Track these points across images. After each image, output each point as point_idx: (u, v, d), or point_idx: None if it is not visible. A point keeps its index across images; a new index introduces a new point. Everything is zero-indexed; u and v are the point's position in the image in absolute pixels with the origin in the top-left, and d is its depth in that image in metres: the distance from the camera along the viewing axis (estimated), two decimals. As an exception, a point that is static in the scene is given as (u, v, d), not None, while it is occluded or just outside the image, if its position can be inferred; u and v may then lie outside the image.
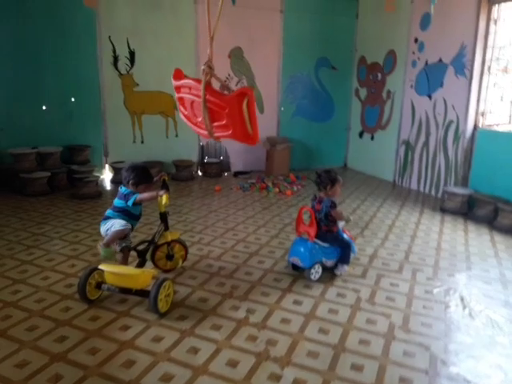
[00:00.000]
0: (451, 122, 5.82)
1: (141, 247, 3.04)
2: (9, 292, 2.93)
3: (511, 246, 4.23)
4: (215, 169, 7.28)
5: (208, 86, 2.52)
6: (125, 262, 3.03)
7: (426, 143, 6.33)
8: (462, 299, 3.08)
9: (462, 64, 5.58)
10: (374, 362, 2.31)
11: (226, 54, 7.23)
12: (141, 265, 2.99)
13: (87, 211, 4.97)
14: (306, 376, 2.19)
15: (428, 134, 6.29)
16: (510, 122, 5.34)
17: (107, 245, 2.94)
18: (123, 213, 2.99)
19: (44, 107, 6.35)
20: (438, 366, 2.30)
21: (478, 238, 4.42)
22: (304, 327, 2.63)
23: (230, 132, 2.51)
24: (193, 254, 3.73)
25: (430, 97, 6.19)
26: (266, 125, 7.70)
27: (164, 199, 2.98)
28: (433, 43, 6.06)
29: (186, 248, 3.41)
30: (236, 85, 7.39)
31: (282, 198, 5.87)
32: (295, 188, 6.48)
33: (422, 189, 6.51)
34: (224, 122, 2.50)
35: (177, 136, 7.25)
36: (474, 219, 5.06)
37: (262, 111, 7.69)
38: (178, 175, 6.91)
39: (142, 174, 2.97)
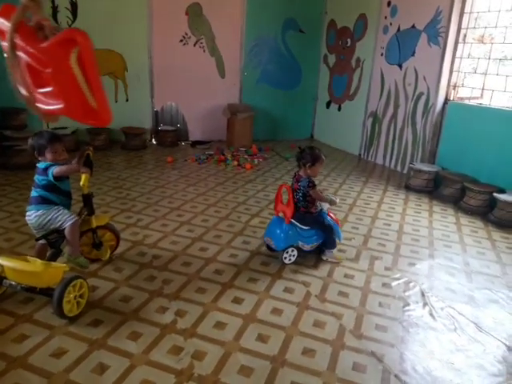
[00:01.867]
0: (421, 93, 5.45)
1: (53, 236, 2.52)
2: None
3: (477, 229, 3.98)
4: (170, 137, 6.71)
5: (24, 26, 1.70)
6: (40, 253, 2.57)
7: (394, 116, 5.96)
8: (422, 294, 2.77)
9: (435, 31, 5.15)
10: (317, 381, 1.95)
11: (183, 11, 6.52)
12: (53, 257, 2.49)
13: (15, 185, 4.37)
14: (235, 400, 1.81)
15: (397, 106, 5.91)
16: (482, 96, 5.00)
17: (75, 253, 2.50)
18: (51, 190, 2.49)
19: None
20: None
21: (443, 221, 4.14)
22: (240, 333, 2.24)
23: (62, 105, 1.72)
24: (125, 239, 3.25)
25: (400, 66, 5.77)
26: (227, 91, 7.14)
27: (82, 179, 2.47)
28: (406, 7, 5.58)
29: (117, 236, 2.93)
30: (194, 45, 6.73)
31: (240, 172, 5.41)
32: (256, 161, 6.03)
33: (387, 164, 6.19)
34: (52, 89, 1.71)
35: (127, 100, 6.59)
36: (439, 198, 4.79)
37: (223, 76, 7.08)
38: (127, 144, 6.32)
39: (40, 139, 2.44)
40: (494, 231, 3.94)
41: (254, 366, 2.02)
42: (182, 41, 6.66)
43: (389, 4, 5.88)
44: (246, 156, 6.20)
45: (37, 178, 2.49)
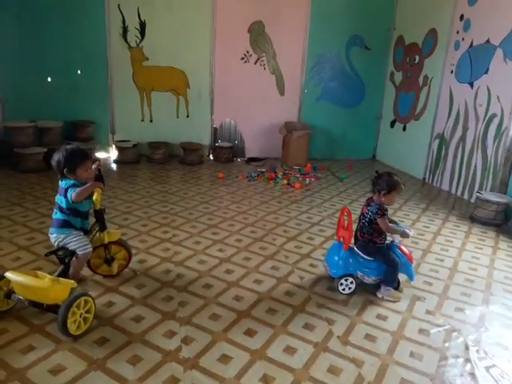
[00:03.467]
0: (494, 115, 4.91)
1: (61, 252, 2.55)
2: None
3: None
4: (226, 153, 6.76)
5: None
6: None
7: (463, 138, 5.44)
8: (466, 348, 2.40)
9: (512, 46, 4.63)
10: None
11: (245, 29, 6.59)
12: (63, 273, 2.50)
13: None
14: None
15: (466, 128, 5.38)
16: None
17: (76, 280, 2.50)
18: (71, 213, 2.53)
19: (49, 79, 6.05)
20: None
21: (508, 260, 3.63)
22: (244, 371, 2.08)
23: None
24: (155, 254, 3.26)
25: (471, 85, 5.27)
26: (286, 109, 7.05)
27: (95, 194, 2.49)
28: (481, 21, 5.10)
29: (129, 251, 2.91)
30: (255, 63, 6.76)
31: (288, 192, 5.26)
32: (307, 180, 5.83)
33: (453, 191, 5.65)
34: None
35: (188, 116, 6.77)
36: (508, 234, 4.23)
37: (282, 93, 7.02)
38: (185, 159, 6.46)
39: (73, 156, 2.47)
40: None
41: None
42: (243, 58, 6.72)
43: (461, 18, 5.43)
44: (297, 175, 6.03)
45: (58, 198, 2.51)
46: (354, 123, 7.39)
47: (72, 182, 2.49)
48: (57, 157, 2.49)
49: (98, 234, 2.73)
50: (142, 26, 6.22)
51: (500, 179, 4.79)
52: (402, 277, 2.98)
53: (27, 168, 5.31)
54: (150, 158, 6.37)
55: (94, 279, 2.84)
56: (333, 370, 2.14)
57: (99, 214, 2.66)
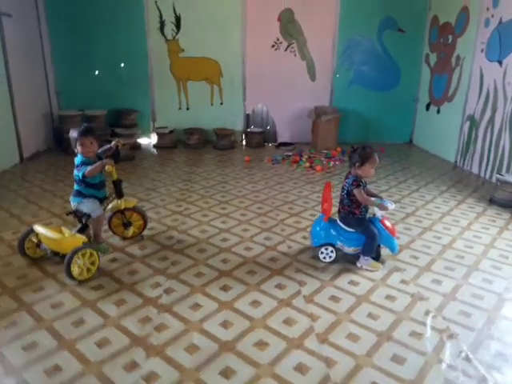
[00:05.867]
0: (521, 94, 4.71)
1: (79, 213, 3.02)
2: None
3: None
4: (257, 139, 7.05)
5: None
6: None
7: (492, 119, 5.26)
8: (426, 313, 2.51)
9: (540, 20, 4.41)
10: None
11: (275, 17, 6.79)
12: (81, 230, 2.98)
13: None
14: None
15: (494, 109, 5.20)
16: None
17: (97, 241, 2.99)
18: (84, 184, 2.99)
19: (96, 72, 6.71)
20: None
21: (513, 240, 3.57)
22: (209, 316, 2.40)
23: None
24: (164, 224, 3.67)
25: (500, 63, 5.07)
26: (317, 94, 7.17)
27: (108, 168, 2.92)
28: (510, -5, 4.89)
29: (144, 217, 3.34)
30: (285, 50, 6.95)
31: (307, 174, 5.45)
32: (331, 163, 5.96)
33: (482, 173, 5.48)
34: None
35: (222, 104, 7.14)
36: (525, 216, 4.11)
37: (313, 79, 7.15)
38: (217, 144, 6.85)
39: (77, 134, 2.92)
40: None
41: (202, 346, 2.16)
42: (273, 46, 6.94)
43: (492, -7, 5.21)
44: (322, 158, 6.16)
45: (75, 172, 2.97)
46: (388, 107, 7.32)
47: (81, 159, 2.94)
48: (73, 133, 2.94)
49: (115, 201, 3.17)
50: (178, 19, 6.66)
51: (524, 160, 4.62)
52: (385, 250, 3.11)
53: (73, 151, 5.99)
54: (185, 144, 6.84)
55: (107, 241, 3.30)
56: (288, 322, 2.38)
57: (116, 184, 3.12)
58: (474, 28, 5.60)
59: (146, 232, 3.44)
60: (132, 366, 2.02)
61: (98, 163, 2.91)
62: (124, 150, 3.24)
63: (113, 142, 3.19)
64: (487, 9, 5.30)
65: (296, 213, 4.06)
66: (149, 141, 7.03)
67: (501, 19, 5.03)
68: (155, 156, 6.25)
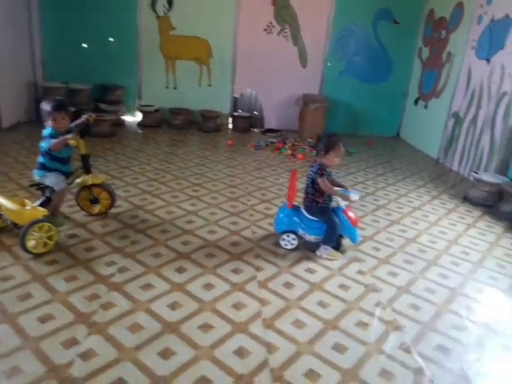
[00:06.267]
0: (505, 93, 4.69)
1: (42, 185, 2.99)
2: None
3: (514, 254, 3.36)
4: (243, 123, 6.99)
5: None
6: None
7: (475, 118, 5.24)
8: (376, 305, 2.53)
9: (528, 19, 4.37)
10: None
11: (269, 1, 6.67)
12: (43, 203, 2.95)
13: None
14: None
15: (479, 107, 5.18)
16: None
17: (54, 215, 2.90)
18: (49, 157, 2.94)
19: (84, 45, 6.59)
20: None
21: (478, 238, 3.59)
22: (158, 297, 2.41)
23: None
24: (133, 203, 3.66)
25: (488, 61, 5.03)
26: (307, 81, 7.09)
27: (72, 143, 2.87)
28: (503, -8, 4.82)
29: (112, 195, 3.31)
30: (278, 34, 6.85)
31: (288, 162, 5.43)
32: (314, 152, 5.91)
33: (462, 171, 5.49)
34: None
35: (210, 85, 7.05)
36: (495, 215, 4.14)
37: (304, 65, 7.07)
38: (203, 126, 6.78)
39: (49, 106, 2.87)
40: (537, 260, 3.29)
41: (145, 326, 2.17)
42: (266, 30, 6.83)
43: (486, -11, 5.14)
44: (306, 147, 6.14)
45: (40, 144, 2.93)
46: (378, 99, 7.27)
47: (49, 131, 2.90)
48: (45, 105, 2.89)
49: (83, 176, 3.14)
50: (170, -4, 6.52)
51: (501, 160, 4.62)
52: (347, 240, 3.12)
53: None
54: (170, 124, 6.77)
55: (73, 216, 3.28)
56: (237, 306, 2.40)
57: (84, 159, 3.09)
58: (467, 24, 5.54)
59: (111, 210, 3.42)
60: (71, 342, 2.03)
61: (61, 138, 2.87)
62: (94, 124, 3.17)
63: (84, 116, 3.15)
64: (481, 5, 5.23)
65: (268, 199, 4.05)
66: (134, 119, 6.95)
67: (493, 17, 4.97)
68: (137, 134, 6.19)
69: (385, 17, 6.83)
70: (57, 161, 2.99)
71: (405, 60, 7.09)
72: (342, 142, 2.93)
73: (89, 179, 3.16)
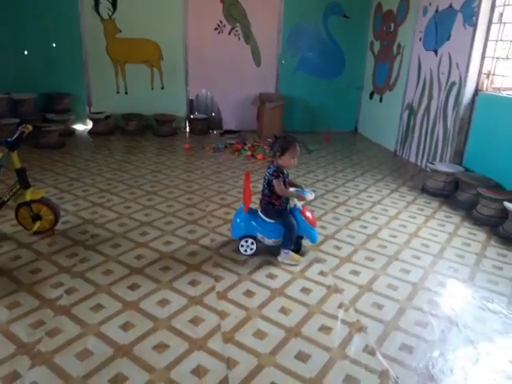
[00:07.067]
0: (454, 83, 4.78)
1: None
2: None
3: (472, 242, 3.40)
4: (200, 125, 6.84)
5: None
6: None
7: (428, 108, 5.33)
8: (339, 306, 2.47)
9: (471, 10, 4.46)
10: None
11: (217, -1, 6.54)
12: None
13: (32, 161, 4.84)
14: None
15: (430, 98, 5.26)
16: (520, 87, 4.23)
17: None
18: None
19: (26, 52, 6.23)
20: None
21: (436, 229, 3.61)
22: (109, 318, 2.24)
23: None
24: (81, 217, 3.44)
25: (436, 52, 5.12)
26: (262, 80, 7.03)
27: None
28: (445, -16, 4.91)
29: (54, 210, 3.09)
30: (229, 33, 6.73)
31: (247, 163, 5.33)
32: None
33: (419, 162, 5.57)
34: None
35: (162, 88, 6.86)
36: (452, 204, 4.20)
37: (258, 64, 6.99)
38: (158, 130, 6.58)
39: None
40: (493, 246, 3.34)
41: (95, 351, 2.00)
42: (216, 29, 6.70)
43: (429, -18, 5.23)
44: (265, 147, 6.05)
45: None
46: (334, 95, 7.29)
47: None
48: None
49: (20, 192, 2.92)
50: (114, -3, 6.27)
51: (455, 149, 4.71)
52: (307, 241, 3.05)
53: None
54: (123, 130, 6.52)
55: (13, 235, 3.04)
56: (194, 321, 2.27)
57: (19, 173, 2.87)
58: (413, 16, 5.62)
59: (58, 226, 3.20)
60: (12, 377, 1.84)
61: None
62: (30, 135, 2.95)
63: (20, 128, 2.92)
64: (425, -3, 5.31)
65: (227, 204, 3.93)
66: (84, 127, 6.65)
67: (437, 8, 5.06)
68: (88, 143, 5.92)
69: (335, 12, 6.86)
70: None
71: (357, 54, 7.16)
72: (298, 143, 2.86)
73: (27, 195, 2.94)
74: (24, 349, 2.00)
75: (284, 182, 2.88)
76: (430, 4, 5.21)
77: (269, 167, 2.93)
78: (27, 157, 4.96)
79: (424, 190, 4.54)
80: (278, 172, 2.84)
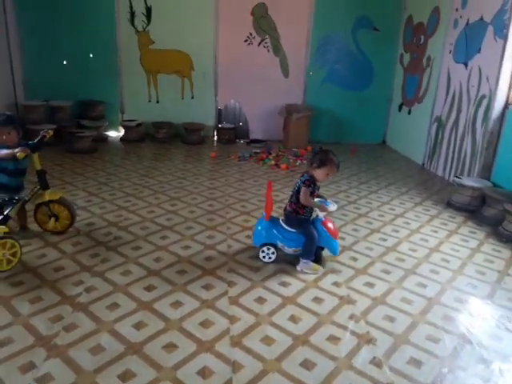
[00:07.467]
0: (483, 96, 4.68)
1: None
2: None
3: (496, 259, 3.29)
4: (228, 135, 6.96)
5: None
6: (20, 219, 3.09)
7: (456, 122, 5.22)
8: (350, 317, 2.46)
9: (502, 22, 4.37)
10: None
11: (248, 11, 6.70)
12: (2, 221, 2.87)
13: (65, 165, 5.08)
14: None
15: (459, 111, 5.16)
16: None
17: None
18: None
19: (64, 62, 6.57)
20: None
21: (459, 244, 3.53)
22: (123, 317, 2.33)
23: None
24: (106, 219, 3.58)
25: (466, 65, 5.03)
26: (290, 91, 7.09)
27: (19, 155, 2.80)
28: (477, -4, 4.84)
29: (71, 211, 3.23)
30: (259, 45, 6.86)
31: (271, 172, 5.38)
32: (299, 162, 5.89)
33: (447, 176, 5.45)
34: None
35: (193, 98, 7.04)
36: (478, 220, 4.08)
37: (286, 75, 7.07)
38: (186, 138, 6.75)
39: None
40: (518, 264, 3.23)
41: (107, 347, 2.09)
42: (246, 41, 6.84)
43: (461, -6, 5.17)
44: (290, 156, 6.10)
45: None
46: (362, 107, 7.26)
47: None
48: None
49: (40, 192, 3.08)
50: (148, 10, 6.54)
51: (483, 164, 4.59)
52: (326, 251, 3.06)
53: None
54: (153, 137, 6.73)
55: (40, 234, 3.21)
56: (205, 324, 2.32)
57: (39, 175, 3.02)
58: (443, 29, 5.55)
59: (84, 227, 3.35)
60: (28, 367, 1.95)
61: (8, 150, 2.80)
62: (51, 140, 3.15)
63: (41, 132, 3.10)
64: (456, 9, 5.25)
65: (247, 211, 3.99)
66: (117, 134, 6.91)
67: (468, 20, 4.98)
68: (120, 149, 6.15)
69: (364, 24, 6.86)
70: (10, 175, 2.93)
71: (386, 66, 7.11)
72: (337, 164, 2.88)
73: (46, 195, 3.09)
74: (42, 341, 2.11)
75: (312, 193, 2.90)
76: (461, 16, 5.13)
77: (302, 175, 2.95)
78: (60, 161, 5.22)
79: (449, 205, 4.44)
80: (311, 182, 2.85)
